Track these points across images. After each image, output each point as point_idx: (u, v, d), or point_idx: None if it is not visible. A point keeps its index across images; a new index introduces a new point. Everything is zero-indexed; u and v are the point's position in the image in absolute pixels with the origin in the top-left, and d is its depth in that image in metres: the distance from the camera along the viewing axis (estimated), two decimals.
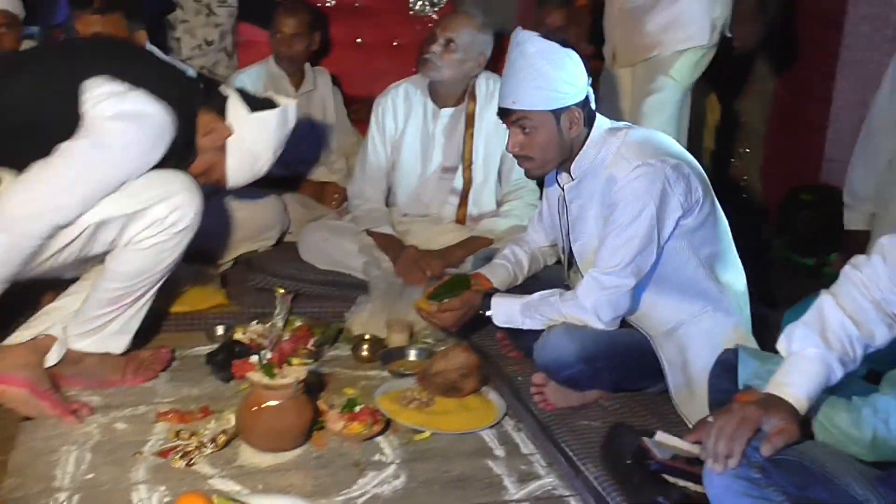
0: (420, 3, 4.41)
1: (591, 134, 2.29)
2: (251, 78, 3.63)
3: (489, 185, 3.16)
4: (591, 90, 2.29)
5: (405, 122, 3.18)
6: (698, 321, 2.26)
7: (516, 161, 2.40)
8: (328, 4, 4.28)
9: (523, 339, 2.46)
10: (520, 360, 2.60)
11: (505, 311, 2.38)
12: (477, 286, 2.51)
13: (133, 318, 2.41)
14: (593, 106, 2.31)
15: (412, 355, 2.72)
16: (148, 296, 2.39)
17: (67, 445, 2.15)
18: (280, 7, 3.68)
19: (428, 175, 3.19)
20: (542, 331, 2.30)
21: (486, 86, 3.15)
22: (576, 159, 2.30)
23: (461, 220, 3.18)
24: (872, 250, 1.65)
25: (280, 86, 3.67)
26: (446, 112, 3.16)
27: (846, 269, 1.68)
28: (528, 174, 2.42)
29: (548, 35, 2.26)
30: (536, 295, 2.34)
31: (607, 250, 2.21)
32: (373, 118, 3.22)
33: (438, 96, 3.15)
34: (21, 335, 2.36)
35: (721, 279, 2.29)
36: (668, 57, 3.00)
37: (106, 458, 2.11)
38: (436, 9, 4.42)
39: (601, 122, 2.31)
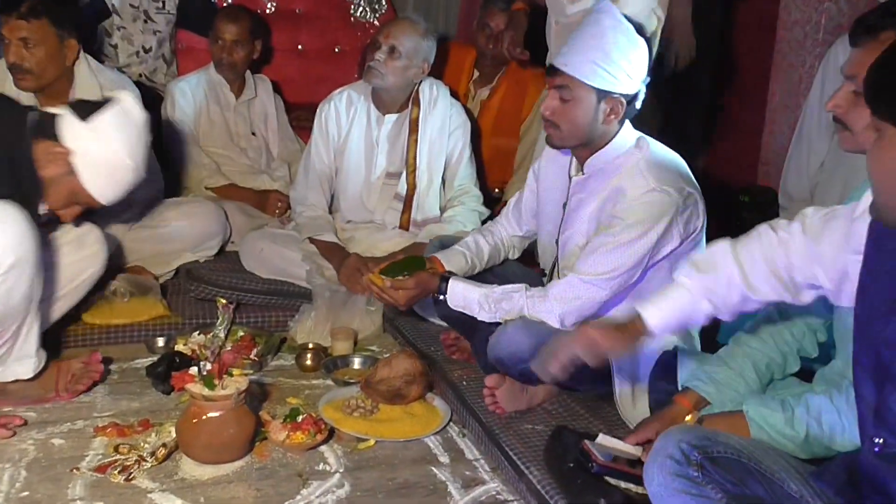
0: (361, 9, 4.41)
1: (617, 137, 2.24)
2: (191, 85, 3.59)
3: (433, 190, 3.16)
4: (643, 90, 2.22)
5: (348, 128, 3.16)
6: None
7: (542, 125, 2.31)
8: (268, 11, 4.25)
9: (474, 337, 2.44)
10: (464, 362, 2.60)
11: (462, 296, 2.32)
12: (432, 269, 2.45)
13: (24, 343, 2.32)
14: (638, 105, 2.23)
15: (356, 363, 2.71)
16: (28, 322, 2.30)
17: (2, 463, 2.09)
18: (220, 13, 3.64)
19: (372, 181, 3.17)
20: (493, 328, 2.27)
21: (430, 91, 3.15)
22: (594, 155, 2.25)
23: (405, 225, 3.16)
24: (795, 217, 1.68)
25: (220, 93, 3.64)
26: (390, 118, 3.15)
27: (761, 226, 1.71)
28: (548, 140, 2.33)
29: (629, 17, 2.19)
30: (499, 288, 2.29)
31: (596, 258, 2.17)
32: (316, 124, 3.18)
33: (382, 102, 3.14)
34: None
35: None
36: None
37: (42, 475, 2.06)
38: (377, 15, 4.42)
39: (629, 130, 2.26)
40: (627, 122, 2.26)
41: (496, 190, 3.65)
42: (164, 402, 2.46)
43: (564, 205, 2.37)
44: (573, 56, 2.18)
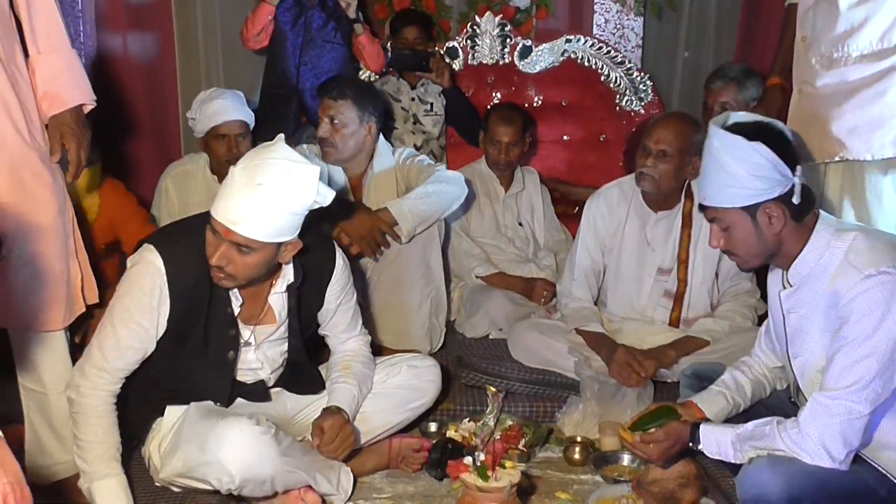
0: (627, 98, 4.44)
1: (813, 236, 2.07)
2: None
3: (706, 286, 3.05)
4: (798, 182, 2.04)
5: (618, 226, 3.11)
6: None
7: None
8: (535, 104, 4.40)
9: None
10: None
11: (715, 442, 2.14)
12: (687, 417, 2.27)
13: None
14: (796, 200, 2.04)
15: (626, 460, 2.64)
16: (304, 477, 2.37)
17: None
18: (495, 115, 3.79)
19: (643, 280, 3.10)
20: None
21: None
22: (794, 264, 2.10)
23: (674, 323, 3.07)
24: None
25: (490, 186, 3.79)
26: (662, 214, 3.07)
27: None
28: (739, 267, 2.26)
29: (738, 126, 2.07)
30: (751, 424, 2.09)
31: (837, 369, 1.96)
32: (584, 219, 3.17)
33: (653, 201, 3.06)
34: None
35: None
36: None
37: None
38: (643, 104, 4.43)
39: (826, 223, 2.09)
40: (823, 220, 2.09)
41: None
42: (437, 487, 2.53)
43: (784, 325, 2.19)
44: (708, 189, 2.12)
